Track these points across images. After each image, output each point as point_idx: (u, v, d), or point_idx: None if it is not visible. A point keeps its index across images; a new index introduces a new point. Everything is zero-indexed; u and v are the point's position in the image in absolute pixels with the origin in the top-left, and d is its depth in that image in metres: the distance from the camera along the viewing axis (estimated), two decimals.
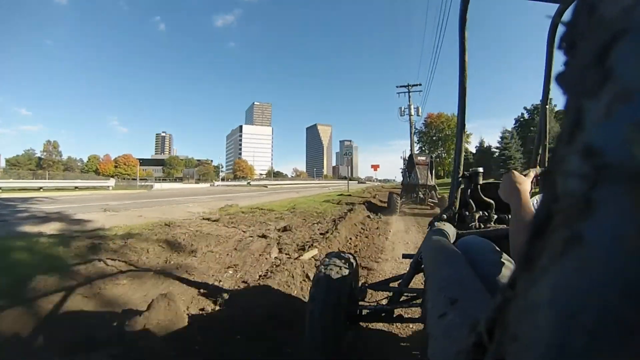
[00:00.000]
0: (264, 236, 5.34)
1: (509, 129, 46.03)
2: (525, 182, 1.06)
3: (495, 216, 1.90)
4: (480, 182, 1.94)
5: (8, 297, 2.68)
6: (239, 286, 3.34)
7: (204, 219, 7.17)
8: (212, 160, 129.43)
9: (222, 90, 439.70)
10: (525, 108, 48.09)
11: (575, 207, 0.20)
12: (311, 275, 3.21)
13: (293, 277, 3.46)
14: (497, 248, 1.19)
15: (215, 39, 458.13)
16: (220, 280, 3.48)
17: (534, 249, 0.24)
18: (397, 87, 31.56)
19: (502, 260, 1.09)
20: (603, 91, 0.20)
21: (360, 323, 2.01)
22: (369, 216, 8.71)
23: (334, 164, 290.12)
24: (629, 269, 0.17)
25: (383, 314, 1.90)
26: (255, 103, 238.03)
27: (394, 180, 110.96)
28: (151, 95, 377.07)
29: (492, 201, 1.88)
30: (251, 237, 5.32)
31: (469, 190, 1.96)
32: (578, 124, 0.22)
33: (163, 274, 3.55)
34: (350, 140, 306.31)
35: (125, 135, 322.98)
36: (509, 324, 0.25)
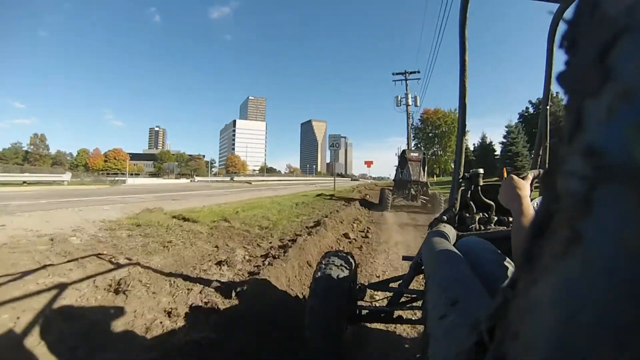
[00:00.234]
0: None
1: (514, 123, 43.00)
2: (525, 187, 1.06)
3: (496, 218, 1.89)
4: (481, 183, 1.96)
5: None
6: None
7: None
8: (204, 156, 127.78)
9: (217, 84, 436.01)
10: (530, 102, 45.18)
11: (575, 207, 0.20)
12: None
13: None
14: (498, 249, 1.22)
15: (211, 31, 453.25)
16: None
17: (534, 248, 0.24)
18: (393, 74, 28.19)
19: (502, 261, 1.11)
20: (604, 91, 0.20)
21: (360, 323, 2.04)
22: (348, 236, 5.60)
23: (328, 160, 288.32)
24: (630, 269, 0.17)
25: (382, 315, 1.91)
26: (250, 97, 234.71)
27: (387, 178, 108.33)
28: (146, 89, 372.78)
29: (492, 203, 1.89)
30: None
31: (469, 192, 1.97)
32: (579, 124, 0.21)
33: None
34: (341, 135, 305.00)
35: (120, 130, 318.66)
36: (510, 324, 0.24)
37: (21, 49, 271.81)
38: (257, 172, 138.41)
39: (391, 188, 11.96)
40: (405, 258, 2.48)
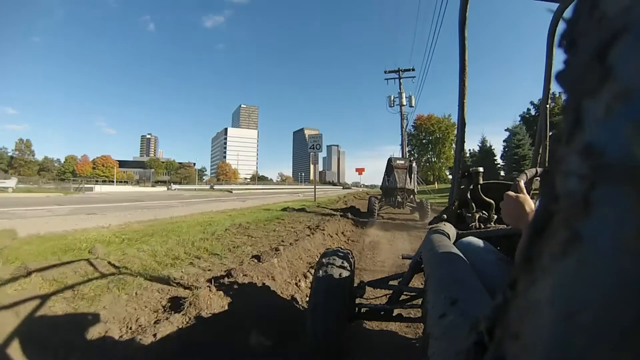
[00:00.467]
0: None
1: (518, 124, 41.08)
2: (528, 201, 1.01)
3: (496, 216, 1.91)
4: (481, 181, 1.96)
5: None
6: None
7: None
8: (194, 163, 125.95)
9: (210, 92, 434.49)
10: (531, 103, 42.50)
11: (574, 207, 0.20)
12: None
13: None
14: (497, 248, 1.24)
15: (204, 40, 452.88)
16: None
17: (533, 248, 0.24)
18: (385, 72, 25.61)
19: (502, 260, 1.13)
20: (603, 90, 0.20)
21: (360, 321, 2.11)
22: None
23: (321, 168, 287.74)
24: (629, 268, 0.17)
25: (382, 313, 1.93)
26: (242, 105, 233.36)
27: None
28: (139, 97, 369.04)
29: (492, 201, 1.90)
30: None
31: (469, 190, 1.98)
32: (577, 123, 0.21)
33: None
34: (334, 144, 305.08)
35: (112, 137, 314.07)
36: (510, 324, 0.24)
37: (14, 53, 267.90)
38: (249, 180, 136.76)
39: (378, 196, 11.99)
40: (405, 257, 2.53)
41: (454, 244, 1.34)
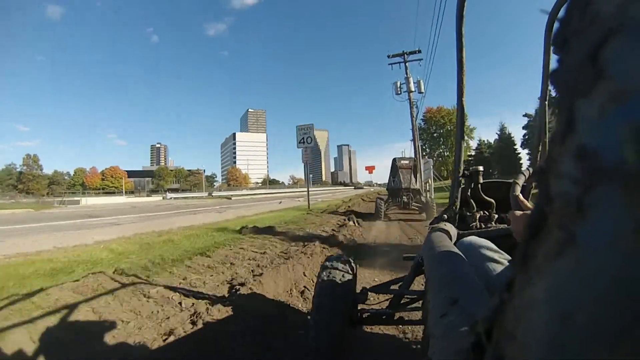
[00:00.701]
0: None
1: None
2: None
3: (496, 216, 1.91)
4: (481, 181, 1.96)
5: None
6: None
7: None
8: (204, 170, 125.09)
9: (217, 99, 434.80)
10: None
11: (568, 209, 0.20)
12: None
13: None
14: (498, 248, 1.23)
15: (208, 48, 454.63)
16: None
17: (529, 249, 0.24)
18: (389, 56, 22.57)
19: (503, 260, 1.13)
20: (596, 90, 0.20)
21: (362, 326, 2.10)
22: None
23: (332, 169, 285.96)
24: (623, 269, 0.17)
25: (384, 317, 1.95)
26: (250, 110, 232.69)
27: None
28: (147, 108, 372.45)
29: (492, 200, 1.92)
30: None
31: (470, 190, 1.98)
32: (570, 124, 0.21)
33: None
34: (344, 144, 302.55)
35: (123, 149, 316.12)
36: (507, 324, 0.24)
37: (22, 72, 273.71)
38: (260, 184, 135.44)
39: (384, 197, 11.65)
40: (406, 258, 2.53)
41: (454, 243, 1.34)
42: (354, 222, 8.25)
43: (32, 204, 28.08)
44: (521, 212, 1.07)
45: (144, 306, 2.78)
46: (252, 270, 3.82)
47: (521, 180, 1.42)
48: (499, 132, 46.90)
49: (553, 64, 0.24)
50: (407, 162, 12.20)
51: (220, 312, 2.58)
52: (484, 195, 1.93)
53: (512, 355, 0.23)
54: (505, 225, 1.74)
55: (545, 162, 0.24)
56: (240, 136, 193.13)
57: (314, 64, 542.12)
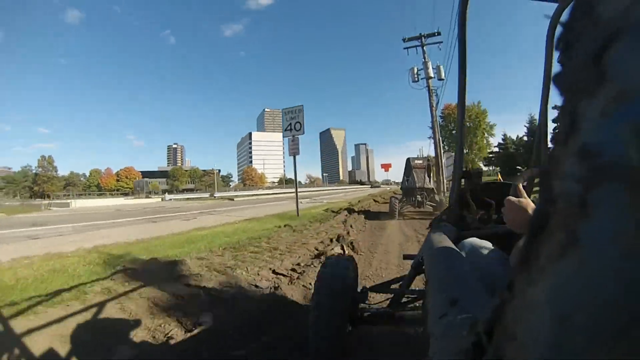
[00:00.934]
0: None
1: None
2: (529, 204, 1.03)
3: (496, 216, 1.90)
4: (481, 182, 2.01)
5: None
6: None
7: None
8: (219, 170, 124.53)
9: (234, 99, 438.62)
10: None
11: (572, 209, 0.20)
12: None
13: None
14: (498, 248, 1.23)
15: (225, 49, 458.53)
16: None
17: (531, 250, 0.23)
18: (404, 40, 19.93)
19: (503, 260, 1.13)
20: (599, 92, 0.20)
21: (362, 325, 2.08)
22: None
23: (350, 168, 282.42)
24: (626, 270, 0.17)
25: (384, 316, 1.96)
26: (266, 109, 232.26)
27: None
28: (165, 109, 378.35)
29: (492, 201, 1.91)
30: None
31: (470, 191, 1.99)
32: (574, 125, 0.21)
33: None
34: (361, 142, 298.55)
35: (141, 149, 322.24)
36: (507, 325, 0.24)
37: (44, 76, 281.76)
38: (276, 184, 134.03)
39: (399, 196, 11.68)
40: (406, 257, 2.54)
41: (454, 244, 1.32)
42: (343, 248, 5.35)
43: (12, 208, 26.52)
44: (517, 199, 1.06)
45: None
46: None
47: (522, 180, 1.30)
48: (527, 125, 43.47)
49: (555, 66, 0.24)
50: (420, 162, 12.24)
51: None
52: (483, 197, 1.93)
53: (512, 356, 0.23)
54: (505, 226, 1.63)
55: (548, 163, 0.23)
56: (256, 135, 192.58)
57: (331, 64, 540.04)
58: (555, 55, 1.38)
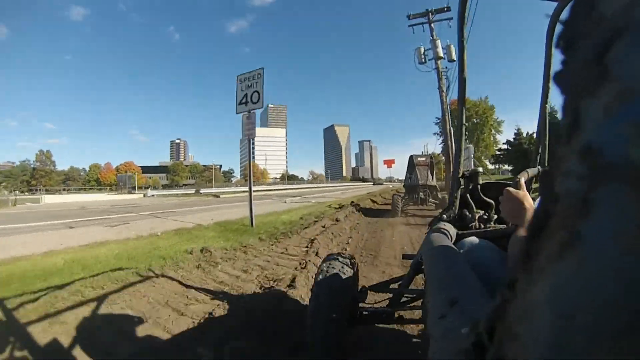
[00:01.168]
0: None
1: None
2: (527, 197, 1.03)
3: (496, 216, 1.89)
4: (480, 182, 1.96)
5: None
6: None
7: None
8: (220, 166, 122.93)
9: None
10: None
11: (573, 208, 0.20)
12: None
13: None
14: (497, 248, 1.23)
15: (230, 45, 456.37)
16: None
17: (532, 249, 0.23)
18: (409, 17, 17.29)
19: (502, 260, 1.12)
20: (601, 90, 0.20)
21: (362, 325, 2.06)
22: None
23: (353, 164, 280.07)
24: (628, 269, 0.17)
25: (384, 316, 1.94)
26: (270, 105, 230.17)
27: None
28: (168, 104, 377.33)
29: (492, 201, 1.90)
30: None
31: (469, 190, 1.97)
32: (576, 124, 0.21)
33: None
34: (365, 139, 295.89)
35: (145, 144, 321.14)
36: (509, 325, 0.24)
37: (49, 72, 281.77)
38: (279, 179, 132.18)
39: (401, 194, 11.71)
40: (405, 257, 2.57)
41: (454, 244, 1.33)
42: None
43: None
44: (515, 191, 1.06)
45: None
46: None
47: (523, 178, 1.32)
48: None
49: (556, 65, 0.24)
50: (423, 159, 12.35)
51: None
52: (483, 196, 1.91)
53: (514, 356, 0.23)
54: (505, 226, 1.70)
55: (550, 162, 0.22)
56: (259, 131, 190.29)
57: (336, 61, 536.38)
58: (556, 54, 1.01)
